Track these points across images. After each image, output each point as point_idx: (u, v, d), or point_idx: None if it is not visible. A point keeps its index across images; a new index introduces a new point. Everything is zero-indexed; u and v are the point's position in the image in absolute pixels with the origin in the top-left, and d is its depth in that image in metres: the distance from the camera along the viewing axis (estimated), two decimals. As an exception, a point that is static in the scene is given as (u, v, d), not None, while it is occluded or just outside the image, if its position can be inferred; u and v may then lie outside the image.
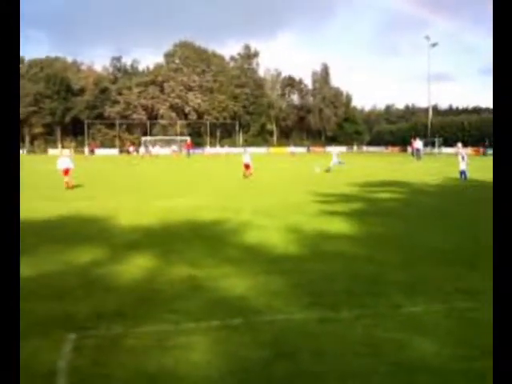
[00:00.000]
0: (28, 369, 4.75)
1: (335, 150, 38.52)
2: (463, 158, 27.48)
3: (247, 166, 29.88)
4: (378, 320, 6.02)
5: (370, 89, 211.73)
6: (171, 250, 9.87)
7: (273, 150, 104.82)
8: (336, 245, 10.42)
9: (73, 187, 23.73)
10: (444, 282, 7.62)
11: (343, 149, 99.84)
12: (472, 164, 29.69)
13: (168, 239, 11.09)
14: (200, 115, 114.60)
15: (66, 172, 24.08)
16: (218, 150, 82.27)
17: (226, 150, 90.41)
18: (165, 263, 8.84)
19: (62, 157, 25.64)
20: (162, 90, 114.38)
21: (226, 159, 64.93)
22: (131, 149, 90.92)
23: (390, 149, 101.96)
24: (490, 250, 4.43)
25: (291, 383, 4.51)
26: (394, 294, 7.03)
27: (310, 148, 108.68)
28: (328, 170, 34.51)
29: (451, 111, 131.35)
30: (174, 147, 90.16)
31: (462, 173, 27.34)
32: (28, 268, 8.54)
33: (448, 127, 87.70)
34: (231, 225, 12.84)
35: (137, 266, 8.62)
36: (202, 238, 11.18)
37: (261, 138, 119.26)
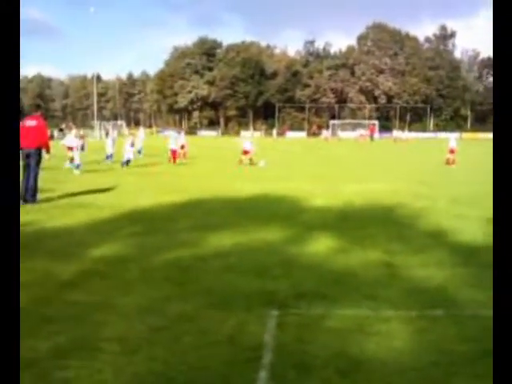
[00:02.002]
0: (236, 341, 5.01)
1: None
2: None
3: (452, 151, 28.71)
4: None
5: None
6: (364, 234, 9.81)
7: (466, 135, 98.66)
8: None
9: (244, 165, 26.38)
10: None
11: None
12: None
13: (360, 223, 11.03)
14: (390, 99, 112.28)
15: (246, 152, 27.34)
16: (406, 134, 79.54)
17: (415, 134, 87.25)
18: (359, 247, 8.80)
19: (244, 138, 29.44)
20: (352, 73, 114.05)
21: (415, 144, 62.90)
22: (324, 132, 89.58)
23: None
24: None
25: (501, 383, 4.26)
26: None
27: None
28: None
29: None
30: (362, 131, 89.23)
31: None
32: (229, 242, 9.10)
33: None
34: (425, 212, 12.39)
35: (330, 248, 8.71)
36: (396, 224, 10.97)
37: (453, 122, 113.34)
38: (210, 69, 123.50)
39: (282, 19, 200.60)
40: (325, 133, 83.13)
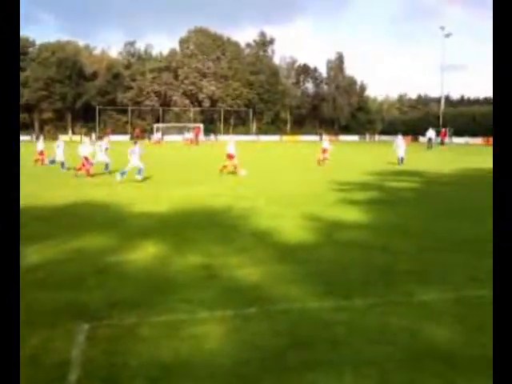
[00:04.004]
0: (39, 360, 4.72)
1: (399, 141, 33.38)
2: (400, 146, 32.32)
3: (325, 151, 30.47)
4: (391, 308, 6.07)
5: (384, 78, 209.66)
6: (185, 238, 9.86)
7: (286, 138, 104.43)
8: (351, 234, 10.38)
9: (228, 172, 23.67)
10: (455, 271, 7.74)
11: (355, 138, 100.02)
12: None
13: (182, 227, 11.08)
14: (214, 102, 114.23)
15: (230, 157, 24.21)
16: (230, 137, 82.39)
17: (239, 137, 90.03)
18: (178, 251, 8.82)
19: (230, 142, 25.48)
20: (175, 77, 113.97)
21: (241, 147, 64.65)
22: (154, 135, 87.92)
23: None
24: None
25: (306, 372, 4.51)
26: (407, 283, 7.11)
27: (323, 137, 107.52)
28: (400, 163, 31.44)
29: (463, 102, 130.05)
30: (188, 134, 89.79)
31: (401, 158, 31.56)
32: (37, 256, 8.51)
33: (459, 117, 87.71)
34: (246, 213, 12.79)
35: (150, 254, 8.61)
36: (216, 226, 11.16)
37: (274, 126, 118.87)
38: (22, 69, 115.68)
39: (101, 18, 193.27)
40: (155, 136, 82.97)
